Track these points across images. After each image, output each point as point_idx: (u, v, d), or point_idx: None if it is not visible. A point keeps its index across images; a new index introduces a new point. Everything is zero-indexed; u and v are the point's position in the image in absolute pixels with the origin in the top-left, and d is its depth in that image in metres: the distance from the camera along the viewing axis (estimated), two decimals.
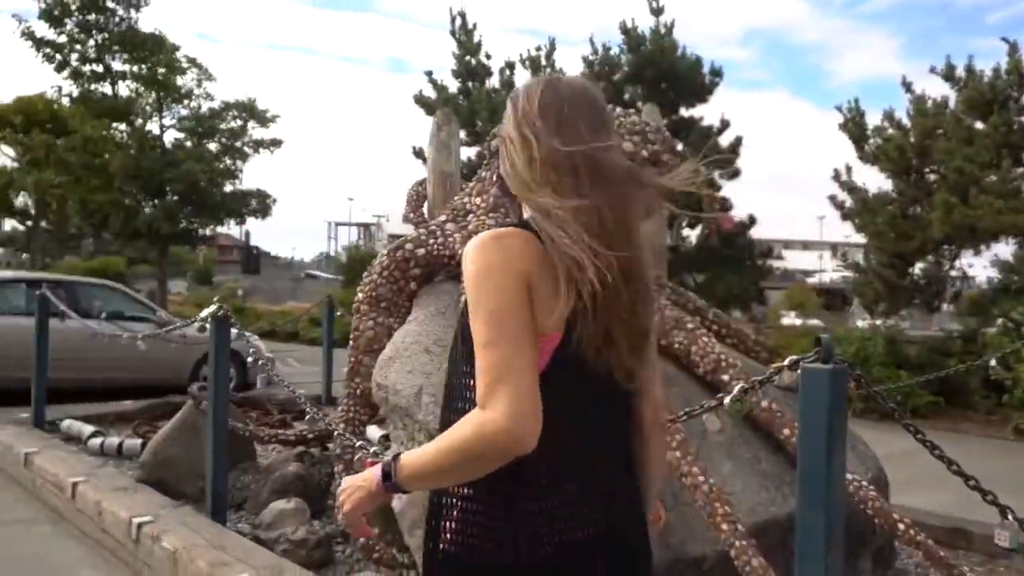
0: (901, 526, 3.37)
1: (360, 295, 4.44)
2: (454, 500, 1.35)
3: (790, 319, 31.61)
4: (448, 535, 1.35)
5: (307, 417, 5.37)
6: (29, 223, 32.19)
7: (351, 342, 4.39)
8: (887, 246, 12.73)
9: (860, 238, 14.18)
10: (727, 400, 2.43)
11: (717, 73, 14.06)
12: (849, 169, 13.39)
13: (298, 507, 4.05)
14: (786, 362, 2.27)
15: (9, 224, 37.37)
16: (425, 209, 5.65)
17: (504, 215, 4.67)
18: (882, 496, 3.66)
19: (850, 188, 13.33)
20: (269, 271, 60.94)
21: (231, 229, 40.02)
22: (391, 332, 4.21)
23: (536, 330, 1.30)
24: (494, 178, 4.84)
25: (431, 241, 4.52)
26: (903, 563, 4.23)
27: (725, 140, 13.63)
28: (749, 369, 3.95)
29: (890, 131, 13.08)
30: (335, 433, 4.21)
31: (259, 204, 22.34)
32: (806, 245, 69.79)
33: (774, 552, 3.16)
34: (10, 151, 26.40)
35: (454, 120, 5.62)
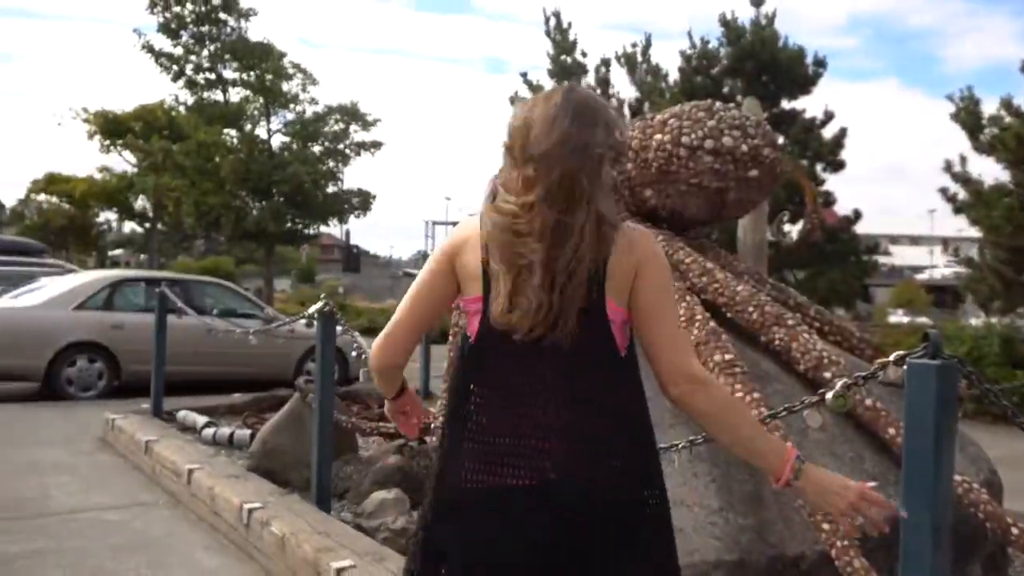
0: (1015, 531, 3.23)
1: None
2: (438, 429, 1.70)
3: (897, 317, 30.48)
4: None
5: None
6: (147, 225, 33.80)
7: (450, 337, 4.48)
8: (1003, 240, 12.16)
9: (974, 232, 13.58)
10: (829, 396, 2.39)
11: (821, 63, 13.70)
12: (963, 160, 12.83)
13: (398, 498, 4.16)
14: (891, 357, 2.22)
15: (128, 226, 39.33)
16: None
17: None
18: (995, 500, 3.52)
19: (963, 180, 12.77)
20: (368, 269, 62.24)
21: (332, 228, 41.16)
22: None
23: (431, 293, 1.67)
24: None
25: None
26: (1016, 570, 4.06)
27: (828, 132, 13.26)
28: (852, 366, 3.85)
29: (1008, 119, 12.46)
30: (432, 426, 4.30)
31: (360, 202, 22.95)
32: (915, 240, 67.04)
33: (876, 554, 3.08)
34: (131, 157, 27.84)
35: None
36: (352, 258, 56.67)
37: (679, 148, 4.39)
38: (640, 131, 4.59)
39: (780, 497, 3.49)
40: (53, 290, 10.27)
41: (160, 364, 7.24)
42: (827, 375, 3.73)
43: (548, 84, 15.13)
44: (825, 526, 3.10)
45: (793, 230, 12.36)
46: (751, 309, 4.01)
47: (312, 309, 4.51)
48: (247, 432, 6.21)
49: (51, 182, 31.62)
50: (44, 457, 6.28)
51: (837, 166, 12.72)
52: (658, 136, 4.48)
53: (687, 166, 4.41)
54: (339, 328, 4.68)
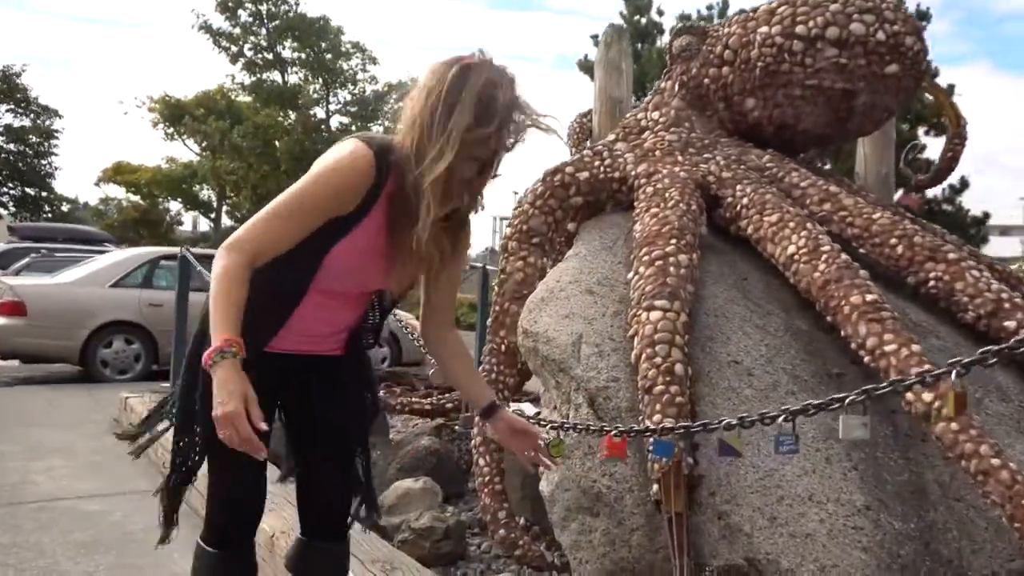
0: None
1: (508, 230, 3.60)
2: None
3: None
4: None
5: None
6: (212, 215, 33.81)
7: (496, 288, 3.56)
8: None
9: None
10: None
11: (923, 16, 12.33)
12: None
13: (427, 488, 3.26)
14: None
15: (202, 222, 39.46)
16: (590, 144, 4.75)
17: (689, 130, 3.70)
18: None
19: None
20: None
21: None
22: (545, 274, 3.35)
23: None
24: (676, 88, 3.87)
25: (596, 163, 3.61)
26: None
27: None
28: None
29: None
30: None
31: None
32: (1004, 231, 63.70)
33: None
34: (195, 146, 27.73)
35: (625, 37, 4.63)
36: None
37: (792, 41, 3.39)
38: (740, 26, 3.59)
39: (951, 491, 2.47)
40: (88, 267, 9.67)
41: (181, 337, 6.46)
42: (1010, 324, 2.70)
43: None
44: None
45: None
46: (894, 241, 2.99)
47: None
48: None
49: (118, 171, 31.77)
50: (49, 439, 5.62)
51: (941, 129, 11.39)
52: (764, 28, 3.48)
53: (803, 63, 3.40)
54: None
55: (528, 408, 4.46)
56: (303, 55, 21.03)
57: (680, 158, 3.50)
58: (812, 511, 2.34)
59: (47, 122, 32.08)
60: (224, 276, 1.60)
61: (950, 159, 4.21)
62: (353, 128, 21.83)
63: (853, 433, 1.72)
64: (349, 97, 21.84)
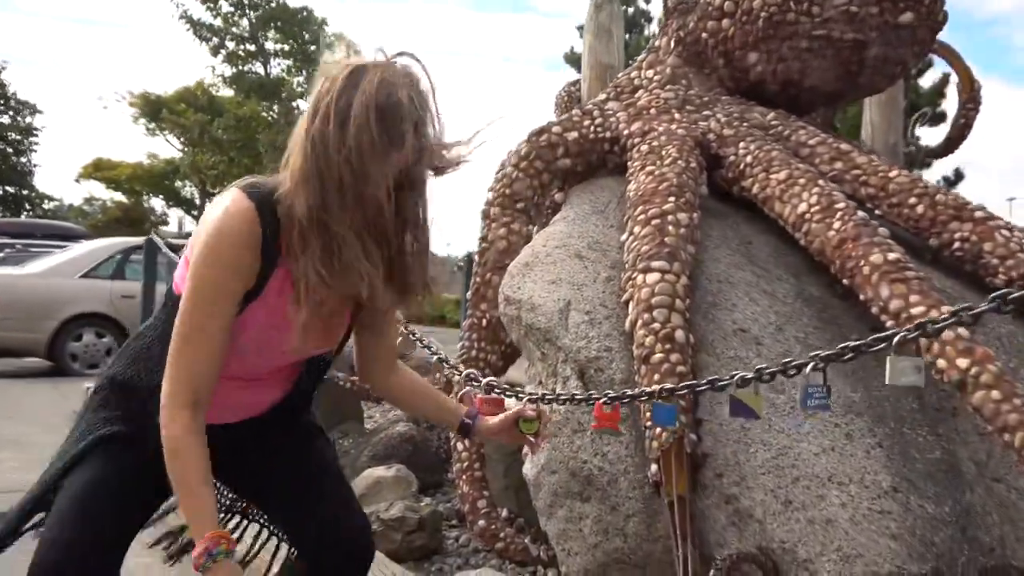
0: None
1: (489, 195, 3.30)
2: None
3: None
4: None
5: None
6: (195, 213, 33.40)
7: (476, 258, 3.27)
8: None
9: None
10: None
11: None
12: None
13: (400, 476, 2.96)
14: None
15: (177, 222, 38.95)
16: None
17: (686, 87, 3.41)
18: None
19: None
20: None
21: None
22: (530, 241, 3.06)
23: None
24: (671, 44, 3.58)
25: (586, 122, 3.32)
26: None
27: (927, 81, 11.71)
28: None
29: None
30: (453, 378, 3.10)
31: None
32: None
33: None
34: (176, 142, 27.31)
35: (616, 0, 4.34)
36: None
37: None
38: None
39: (989, 470, 2.19)
40: (57, 258, 9.30)
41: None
42: None
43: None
44: None
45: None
46: (914, 200, 2.72)
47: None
48: None
49: (98, 168, 31.32)
50: (7, 431, 5.25)
51: (938, 119, 11.18)
52: None
53: (809, 12, 3.13)
54: None
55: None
56: (286, 47, 20.71)
57: (677, 116, 3.22)
58: (832, 493, 2.05)
59: (27, 119, 31.59)
60: (174, 454, 1.31)
61: (963, 126, 3.95)
62: None
63: (904, 378, 1.42)
64: None
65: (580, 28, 14.72)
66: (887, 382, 1.43)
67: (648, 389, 1.84)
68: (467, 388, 2.08)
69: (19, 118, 31.73)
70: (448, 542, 2.81)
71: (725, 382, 1.60)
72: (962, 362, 2.02)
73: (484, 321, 3.11)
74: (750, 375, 1.66)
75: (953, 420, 2.28)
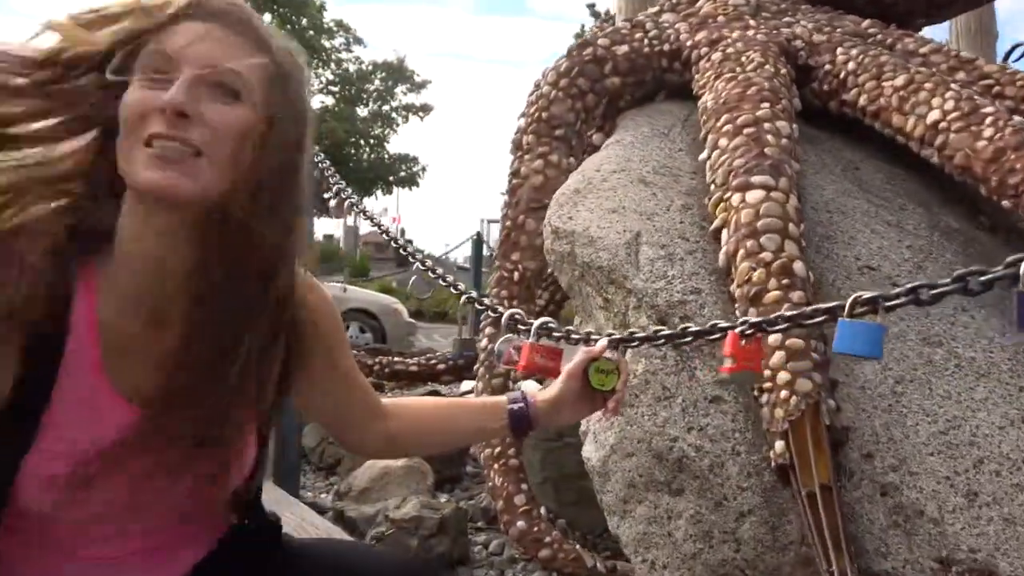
0: None
1: (521, 122, 2.70)
2: None
3: None
4: None
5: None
6: None
7: (505, 198, 2.67)
8: None
9: None
10: None
11: None
12: None
13: (412, 466, 2.34)
14: None
15: None
16: None
17: None
18: None
19: None
20: None
21: (384, 214, 39.93)
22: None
23: None
24: None
25: (638, 34, 2.71)
26: None
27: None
28: None
29: None
30: (479, 344, 2.50)
31: (407, 175, 21.37)
32: None
33: None
34: None
35: None
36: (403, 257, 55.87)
37: None
38: None
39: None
40: None
41: None
42: None
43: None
44: None
45: None
46: None
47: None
48: None
49: None
50: None
51: None
52: None
53: None
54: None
55: (531, 385, 3.57)
56: (283, 32, 20.12)
57: (752, 22, 2.61)
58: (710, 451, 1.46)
59: None
60: None
61: None
62: (336, 109, 20.87)
63: None
64: (332, 76, 20.84)
65: (591, 4, 14.17)
66: None
67: (788, 314, 1.21)
68: (509, 336, 1.48)
69: None
70: (475, 548, 2.20)
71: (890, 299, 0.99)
72: None
73: (516, 274, 2.51)
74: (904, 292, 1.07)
75: None
